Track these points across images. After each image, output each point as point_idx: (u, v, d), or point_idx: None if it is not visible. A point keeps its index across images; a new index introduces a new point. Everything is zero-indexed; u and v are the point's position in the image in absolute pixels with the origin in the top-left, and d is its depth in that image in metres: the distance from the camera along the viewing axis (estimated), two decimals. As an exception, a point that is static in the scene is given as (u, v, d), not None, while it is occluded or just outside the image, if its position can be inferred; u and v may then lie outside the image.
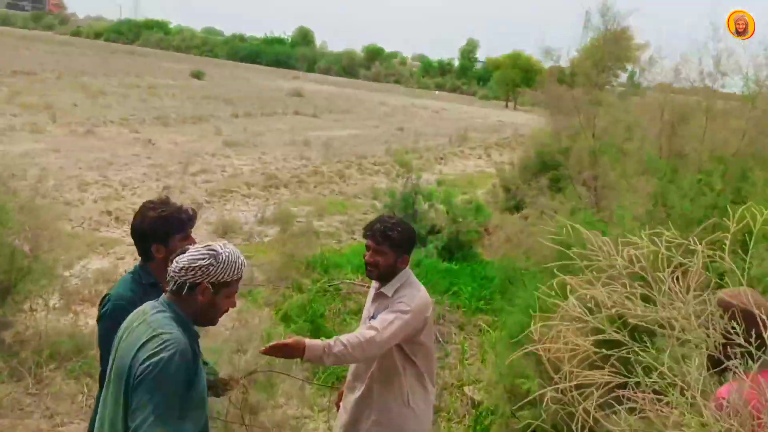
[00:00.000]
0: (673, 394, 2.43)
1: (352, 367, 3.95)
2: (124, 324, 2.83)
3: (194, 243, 3.50)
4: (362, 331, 3.50)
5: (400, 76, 65.46)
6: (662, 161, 6.21)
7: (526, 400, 5.66)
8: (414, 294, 3.70)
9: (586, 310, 5.31)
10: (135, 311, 2.86)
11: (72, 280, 7.91)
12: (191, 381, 2.64)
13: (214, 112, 26.55)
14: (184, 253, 2.78)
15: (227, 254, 2.80)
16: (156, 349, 2.58)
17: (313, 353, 3.35)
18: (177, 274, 2.76)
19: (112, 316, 3.27)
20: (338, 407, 4.07)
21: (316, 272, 9.30)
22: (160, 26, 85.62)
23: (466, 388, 7.01)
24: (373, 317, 3.67)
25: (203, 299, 2.78)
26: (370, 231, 3.75)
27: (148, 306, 2.82)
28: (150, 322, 2.70)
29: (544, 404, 5.46)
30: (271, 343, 3.43)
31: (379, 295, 3.77)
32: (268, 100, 33.02)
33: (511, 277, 7.26)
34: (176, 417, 2.56)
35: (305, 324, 7.75)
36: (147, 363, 2.56)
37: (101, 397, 2.82)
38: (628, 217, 5.42)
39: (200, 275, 2.75)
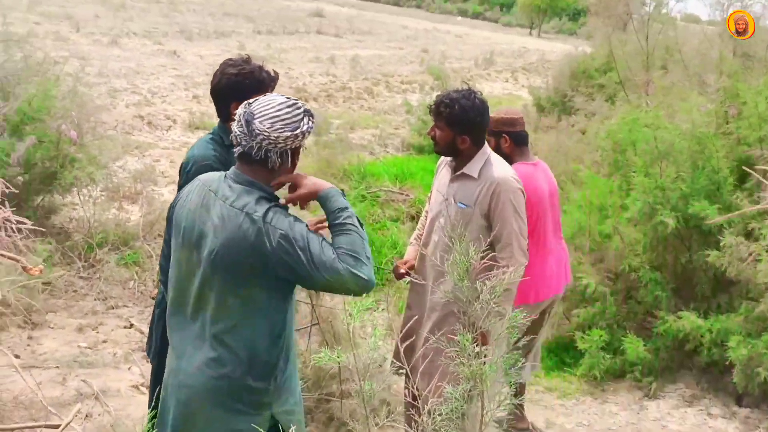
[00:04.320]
0: None
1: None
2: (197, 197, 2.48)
3: None
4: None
5: (421, 0, 64.00)
6: (729, 59, 5.98)
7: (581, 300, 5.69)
8: (502, 169, 3.49)
9: (650, 207, 5.23)
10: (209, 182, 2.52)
11: (111, 178, 7.85)
12: None
13: (235, 28, 26.07)
14: (252, 114, 2.36)
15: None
16: (272, 238, 2.31)
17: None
18: (276, 142, 2.35)
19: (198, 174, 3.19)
20: (399, 275, 3.80)
21: (353, 180, 9.18)
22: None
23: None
24: (448, 199, 3.49)
25: (290, 170, 2.47)
26: (431, 105, 3.58)
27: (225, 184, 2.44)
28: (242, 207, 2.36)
29: (601, 303, 5.47)
30: None
31: (461, 177, 3.53)
32: (289, 19, 32.38)
33: (561, 180, 7.12)
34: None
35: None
36: (273, 253, 2.32)
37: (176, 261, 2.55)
38: (696, 114, 5.24)
39: (297, 142, 2.41)
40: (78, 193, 6.24)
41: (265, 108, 2.37)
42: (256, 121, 2.34)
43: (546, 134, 9.43)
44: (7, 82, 5.91)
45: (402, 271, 3.75)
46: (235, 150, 2.44)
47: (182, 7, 30.58)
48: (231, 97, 3.24)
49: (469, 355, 2.41)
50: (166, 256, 2.75)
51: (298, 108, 2.41)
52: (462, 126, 3.42)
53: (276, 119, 2.35)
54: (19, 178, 5.66)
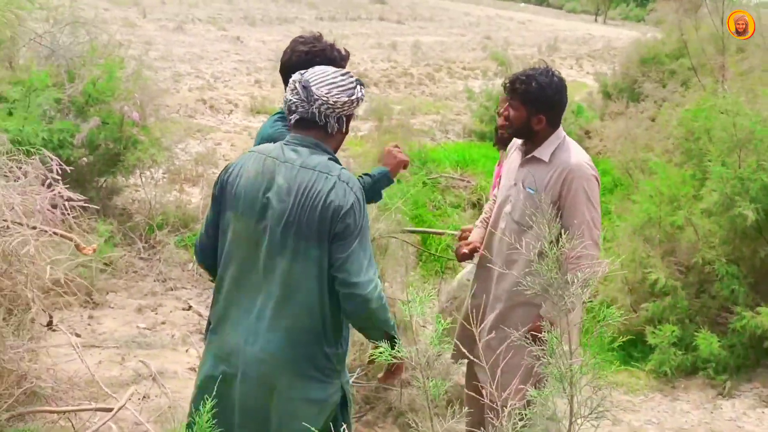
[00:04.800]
0: None
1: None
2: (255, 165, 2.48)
3: None
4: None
5: (483, -13, 63.05)
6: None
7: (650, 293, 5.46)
8: (576, 154, 3.25)
9: (728, 198, 4.96)
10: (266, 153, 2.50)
11: (173, 160, 7.90)
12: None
13: (298, 14, 26.17)
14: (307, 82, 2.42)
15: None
16: (348, 199, 2.36)
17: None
18: (334, 107, 2.43)
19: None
20: (462, 256, 3.63)
21: (414, 165, 9.05)
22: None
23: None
24: (518, 186, 3.31)
25: (343, 136, 2.56)
26: (506, 81, 3.40)
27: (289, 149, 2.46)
28: (316, 166, 2.40)
29: (672, 296, 5.23)
30: None
31: (531, 161, 3.31)
32: (351, 5, 32.34)
33: (629, 168, 6.86)
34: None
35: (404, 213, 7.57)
36: (346, 214, 2.35)
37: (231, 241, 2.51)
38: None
39: (352, 108, 2.49)
40: (140, 175, 6.27)
41: (321, 75, 2.45)
42: (313, 87, 2.40)
43: (614, 121, 9.11)
44: (73, 63, 5.96)
45: (465, 251, 3.58)
46: (290, 117, 2.48)
47: (246, -7, 30.86)
48: None
49: (558, 354, 2.25)
50: (210, 236, 2.62)
51: (351, 76, 2.50)
52: (538, 104, 3.21)
53: (333, 85, 2.43)
54: (84, 159, 5.70)
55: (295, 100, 2.43)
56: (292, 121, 2.48)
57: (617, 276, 5.57)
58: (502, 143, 4.11)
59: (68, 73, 5.78)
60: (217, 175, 2.61)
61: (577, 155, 3.26)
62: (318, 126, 2.44)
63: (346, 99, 2.43)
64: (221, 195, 2.52)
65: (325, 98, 2.40)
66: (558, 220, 3.20)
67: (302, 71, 2.49)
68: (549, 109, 3.23)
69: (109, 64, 5.89)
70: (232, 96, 12.11)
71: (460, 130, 11.83)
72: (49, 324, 4.05)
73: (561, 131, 3.32)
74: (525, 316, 3.22)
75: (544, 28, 36.48)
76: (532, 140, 3.30)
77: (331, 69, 2.49)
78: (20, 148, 4.71)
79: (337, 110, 2.42)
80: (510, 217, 3.31)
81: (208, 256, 2.60)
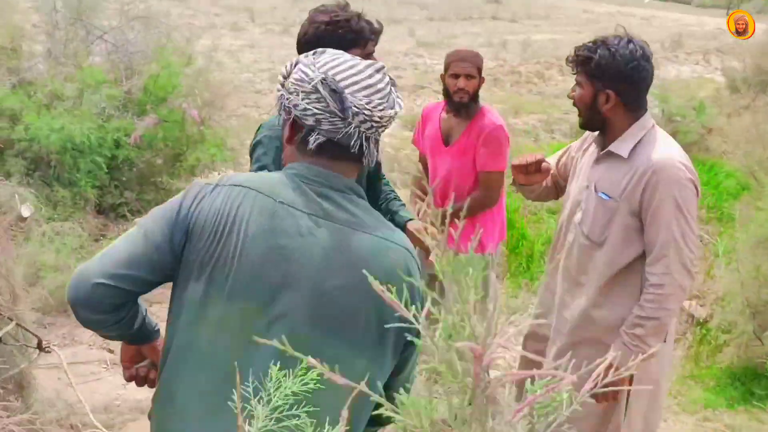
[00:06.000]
0: None
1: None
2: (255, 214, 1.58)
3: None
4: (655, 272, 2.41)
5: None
6: None
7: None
8: (664, 149, 2.50)
9: None
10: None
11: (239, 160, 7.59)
12: None
13: (408, 15, 25.81)
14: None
15: None
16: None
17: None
18: (373, 122, 1.60)
19: (263, 143, 2.56)
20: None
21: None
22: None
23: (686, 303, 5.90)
24: (590, 189, 2.60)
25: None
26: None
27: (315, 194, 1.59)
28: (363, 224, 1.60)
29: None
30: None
31: (607, 157, 2.61)
32: (464, 5, 31.72)
33: (754, 170, 5.91)
34: None
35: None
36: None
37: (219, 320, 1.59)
38: None
39: (389, 124, 1.68)
40: (202, 176, 5.92)
41: (350, 72, 1.59)
42: (348, 93, 1.56)
43: (740, 117, 8.08)
44: (135, 60, 5.68)
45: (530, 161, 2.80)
46: (311, 138, 1.61)
47: (357, -3, 30.79)
48: None
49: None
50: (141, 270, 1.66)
51: (384, 72, 1.66)
52: (606, 77, 2.50)
53: (371, 90, 1.59)
54: (144, 157, 5.41)
55: (318, 111, 1.57)
56: (313, 145, 1.62)
57: (737, 295, 4.73)
58: (455, 110, 3.66)
59: (127, 70, 5.50)
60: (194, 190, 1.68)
61: (664, 150, 2.51)
62: (350, 155, 1.62)
63: (391, 112, 1.61)
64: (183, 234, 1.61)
65: (367, 111, 1.57)
66: (639, 236, 2.51)
67: (315, 56, 1.64)
68: (620, 82, 2.50)
69: (168, 60, 5.55)
70: (327, 95, 11.79)
71: (567, 129, 10.98)
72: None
73: (647, 120, 2.59)
74: (589, 359, 2.52)
75: (668, 23, 34.57)
76: (608, 130, 2.59)
77: (354, 60, 1.64)
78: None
79: (379, 130, 1.61)
80: (579, 228, 2.61)
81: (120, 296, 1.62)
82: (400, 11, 26.78)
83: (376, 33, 2.61)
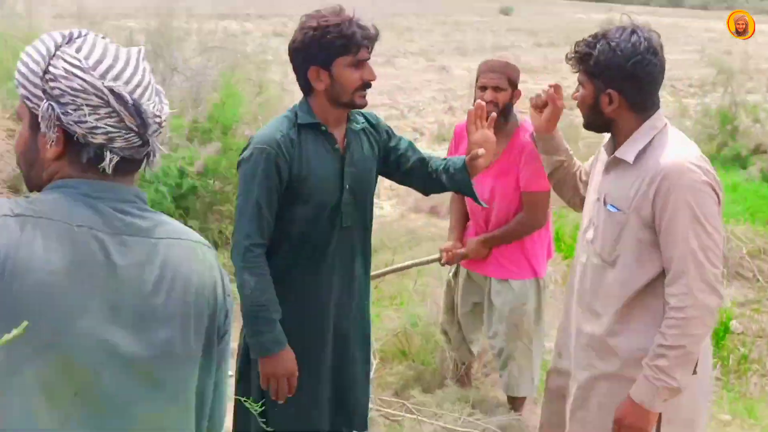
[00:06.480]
0: None
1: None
2: None
3: (371, 73, 2.53)
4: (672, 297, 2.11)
5: (733, 1, 58.08)
6: None
7: None
8: (675, 152, 2.17)
9: None
10: None
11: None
12: None
13: (515, 42, 25.46)
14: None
15: None
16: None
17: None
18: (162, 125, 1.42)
19: (250, 160, 2.45)
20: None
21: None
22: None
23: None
24: (600, 202, 2.29)
25: None
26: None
27: None
28: None
29: None
30: None
31: (615, 164, 2.28)
32: (575, 30, 30.96)
33: None
34: None
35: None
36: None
37: None
38: None
39: None
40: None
41: (129, 72, 1.32)
42: (143, 102, 1.32)
43: None
44: (204, 89, 5.75)
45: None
46: (106, 158, 1.32)
47: (466, 27, 30.69)
48: (308, 59, 2.46)
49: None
50: None
51: (145, 58, 1.41)
52: (606, 75, 2.20)
53: (150, 89, 1.35)
54: (208, 186, 5.43)
55: (113, 128, 1.30)
56: (111, 164, 1.32)
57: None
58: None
59: (195, 99, 5.57)
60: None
61: (675, 152, 2.17)
62: (138, 166, 1.39)
63: (167, 108, 1.39)
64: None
65: (159, 118, 1.35)
66: (655, 252, 2.18)
67: (75, 51, 1.29)
68: (623, 80, 2.19)
69: (233, 88, 5.58)
70: (419, 124, 11.69)
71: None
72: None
73: (658, 119, 2.27)
74: (609, 396, 2.20)
75: None
76: (615, 132, 2.29)
77: (114, 46, 1.34)
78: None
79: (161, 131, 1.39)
80: (591, 247, 2.30)
81: None
82: (507, 39, 26.49)
83: (369, 39, 2.43)
